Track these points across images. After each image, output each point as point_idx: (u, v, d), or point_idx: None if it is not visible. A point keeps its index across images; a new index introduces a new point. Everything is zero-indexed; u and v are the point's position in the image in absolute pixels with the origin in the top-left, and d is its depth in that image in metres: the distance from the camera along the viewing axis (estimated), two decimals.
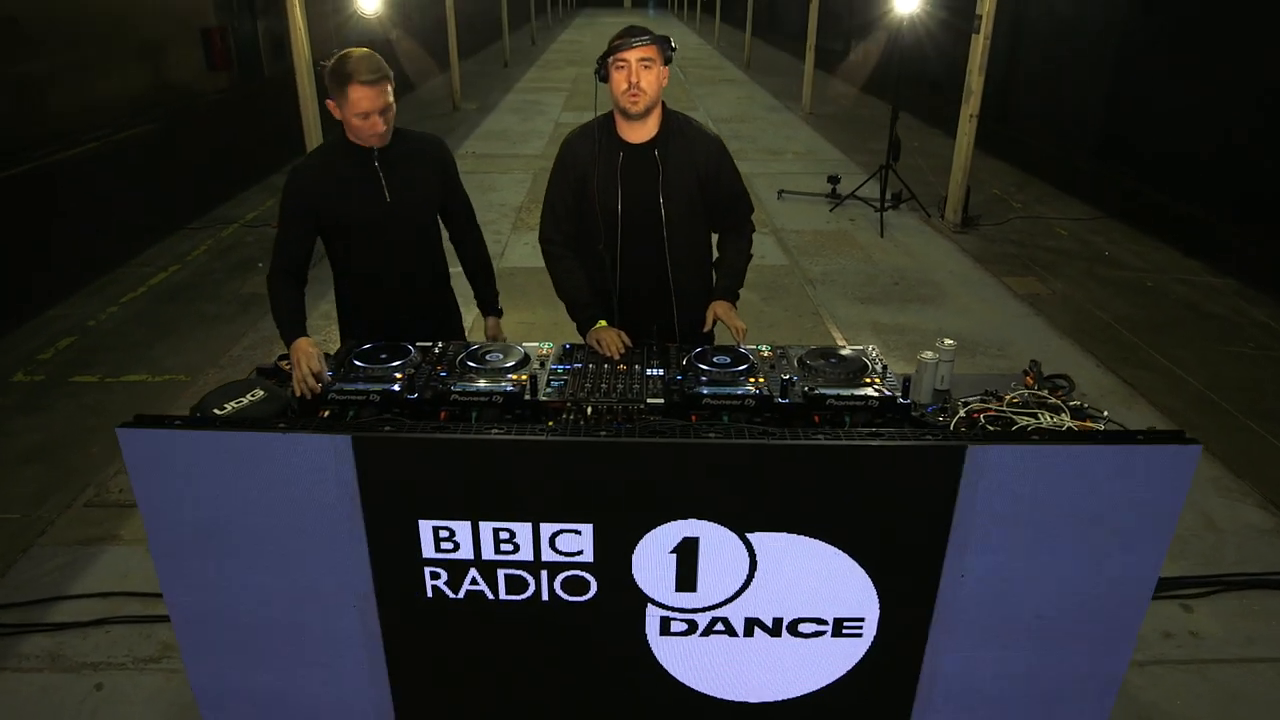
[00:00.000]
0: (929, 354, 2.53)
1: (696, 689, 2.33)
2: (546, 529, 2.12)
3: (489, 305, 2.98)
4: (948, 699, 2.33)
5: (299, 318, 2.57)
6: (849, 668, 2.31)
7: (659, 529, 2.11)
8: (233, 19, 17.05)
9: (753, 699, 2.35)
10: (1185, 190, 8.02)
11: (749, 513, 2.09)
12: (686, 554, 2.14)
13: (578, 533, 2.12)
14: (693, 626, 2.25)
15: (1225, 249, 7.39)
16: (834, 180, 9.35)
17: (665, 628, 2.25)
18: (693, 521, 2.10)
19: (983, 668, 2.28)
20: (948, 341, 2.57)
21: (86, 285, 6.46)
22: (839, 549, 2.13)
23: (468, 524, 2.12)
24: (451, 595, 2.21)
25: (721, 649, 2.27)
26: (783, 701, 2.35)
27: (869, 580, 2.17)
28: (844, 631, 2.25)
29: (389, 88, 2.50)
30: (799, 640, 2.26)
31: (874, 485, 2.07)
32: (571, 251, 2.82)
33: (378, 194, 2.64)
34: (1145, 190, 8.50)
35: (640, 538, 2.12)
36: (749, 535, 2.12)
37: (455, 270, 2.99)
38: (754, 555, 2.14)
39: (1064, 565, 2.13)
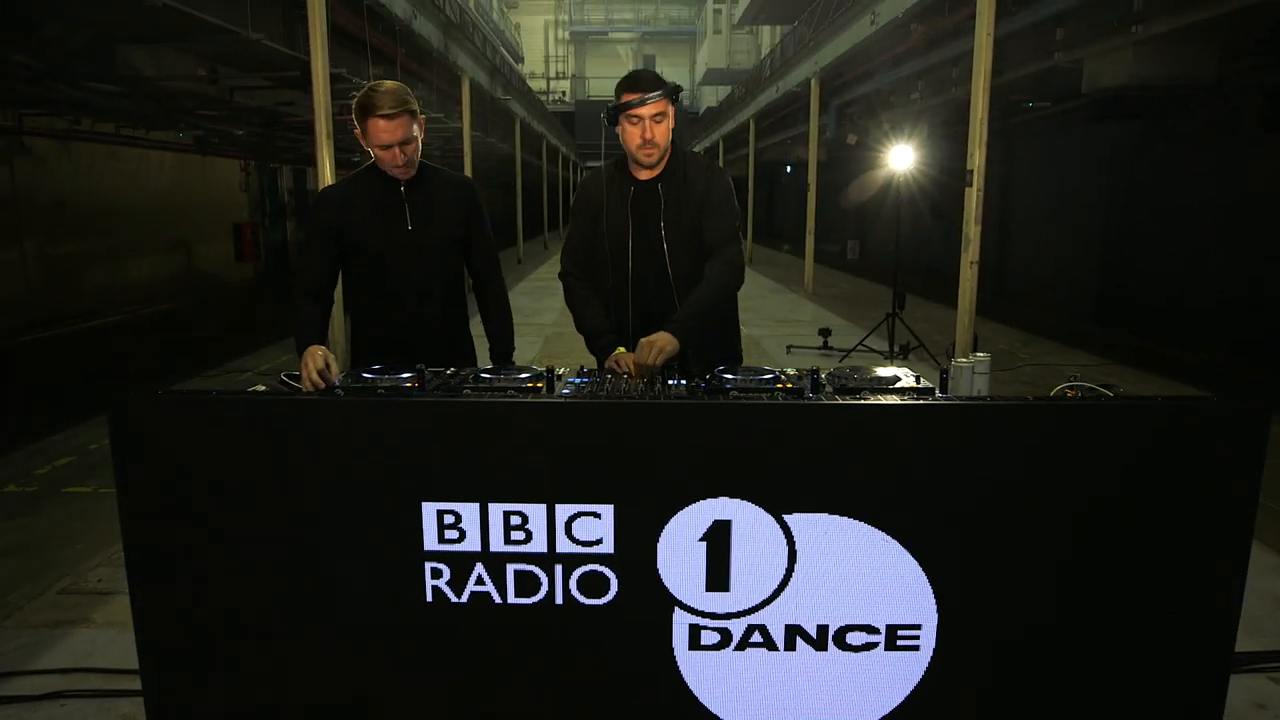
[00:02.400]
0: (963, 360, 2.41)
1: None
2: (563, 512, 1.92)
3: (499, 345, 2.87)
4: None
5: (314, 329, 2.51)
6: (906, 693, 2.00)
7: (687, 510, 1.91)
8: (264, 217, 18.27)
9: None
10: (1185, 340, 8.09)
11: (786, 490, 1.90)
12: (718, 542, 1.93)
13: (597, 516, 1.92)
14: (726, 638, 1.98)
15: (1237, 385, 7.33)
16: (825, 333, 9.55)
17: (695, 640, 1.98)
18: (724, 501, 1.90)
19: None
20: (980, 355, 2.46)
21: (97, 416, 6.39)
22: (888, 534, 1.92)
23: (475, 507, 1.93)
24: (454, 599, 1.97)
25: (759, 668, 1.99)
26: None
27: (923, 574, 1.94)
28: (899, 643, 1.98)
29: (411, 121, 2.57)
30: (847, 655, 1.98)
31: (926, 454, 1.89)
32: (587, 282, 2.80)
33: (400, 221, 2.64)
34: (1149, 344, 8.59)
35: (666, 522, 1.91)
36: (786, 518, 1.91)
37: (476, 320, 2.94)
38: (793, 543, 1.92)
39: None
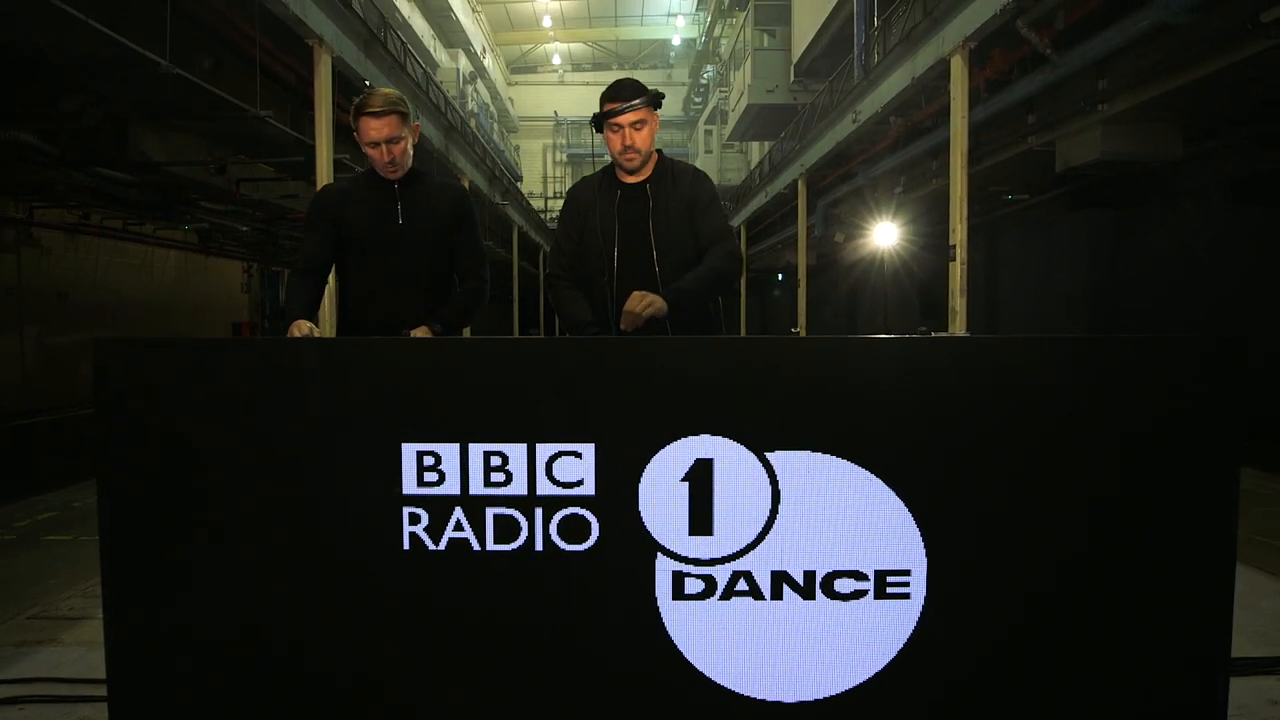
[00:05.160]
0: (944, 334, 2.44)
1: (716, 680, 1.93)
2: (543, 451, 1.90)
3: (433, 319, 2.74)
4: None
5: (304, 304, 2.59)
6: (899, 647, 1.93)
7: (669, 449, 1.90)
8: (263, 319, 18.55)
9: (788, 697, 1.94)
10: None
11: (768, 426, 1.89)
12: (700, 481, 1.91)
13: (578, 455, 1.90)
14: (711, 586, 1.92)
15: None
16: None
17: (679, 588, 1.92)
18: (706, 438, 1.90)
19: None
20: (961, 333, 2.49)
21: (82, 480, 6.30)
22: (872, 473, 1.90)
23: (455, 447, 1.91)
24: (431, 546, 1.93)
25: (746, 620, 1.92)
26: (824, 700, 1.93)
27: (910, 516, 1.91)
28: (889, 590, 1.92)
29: (400, 123, 2.69)
30: (836, 605, 1.92)
31: (912, 391, 1.90)
32: (573, 283, 2.85)
33: (391, 214, 2.73)
34: None
35: (648, 461, 1.90)
36: (769, 455, 1.90)
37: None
38: (776, 482, 1.90)
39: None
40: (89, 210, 10.82)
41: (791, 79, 20.95)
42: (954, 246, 7.93)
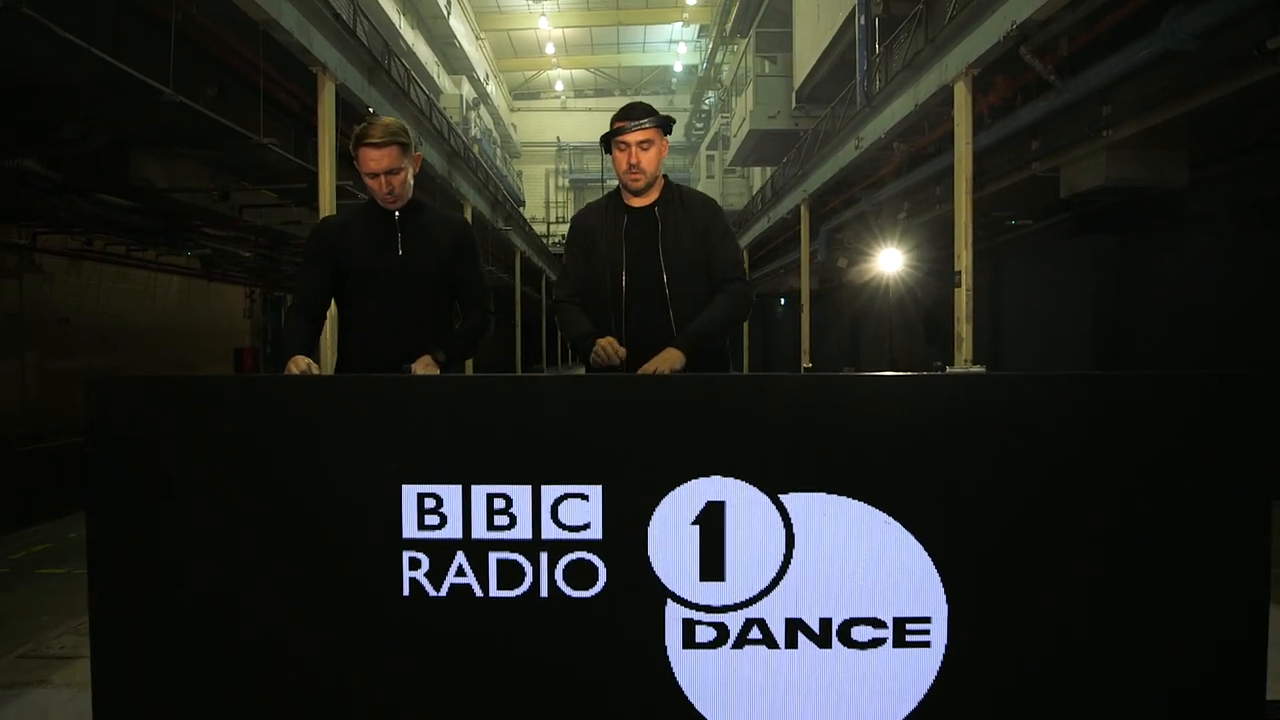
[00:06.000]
0: (959, 369, 2.38)
1: None
2: (549, 493, 1.84)
3: (437, 348, 2.64)
4: None
5: (301, 341, 2.51)
6: (920, 698, 1.85)
7: (679, 490, 1.83)
8: (265, 344, 18.50)
9: None
10: None
11: (782, 467, 1.83)
12: (711, 525, 1.84)
13: (585, 497, 1.83)
14: (723, 634, 1.85)
15: None
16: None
17: (689, 636, 1.85)
18: (717, 480, 1.83)
19: None
20: (976, 367, 2.44)
21: (79, 510, 6.24)
22: (890, 516, 1.83)
23: (458, 489, 1.84)
24: (432, 592, 1.85)
25: (759, 669, 1.85)
26: None
27: (929, 561, 1.84)
28: (908, 638, 1.85)
29: (400, 154, 2.65)
30: (853, 654, 1.84)
31: (930, 430, 1.83)
32: (580, 306, 2.79)
33: (391, 246, 2.67)
34: None
35: (658, 503, 1.83)
36: (783, 498, 1.83)
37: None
38: (790, 525, 1.83)
39: None
40: (92, 236, 10.81)
41: (793, 105, 21.04)
42: (959, 273, 7.88)
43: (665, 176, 2.83)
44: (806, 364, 14.05)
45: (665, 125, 2.74)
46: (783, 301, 27.73)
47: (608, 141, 2.72)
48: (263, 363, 17.94)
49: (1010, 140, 8.34)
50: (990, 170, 8.99)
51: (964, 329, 7.99)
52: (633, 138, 2.67)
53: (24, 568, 4.67)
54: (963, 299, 7.91)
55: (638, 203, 2.78)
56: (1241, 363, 8.21)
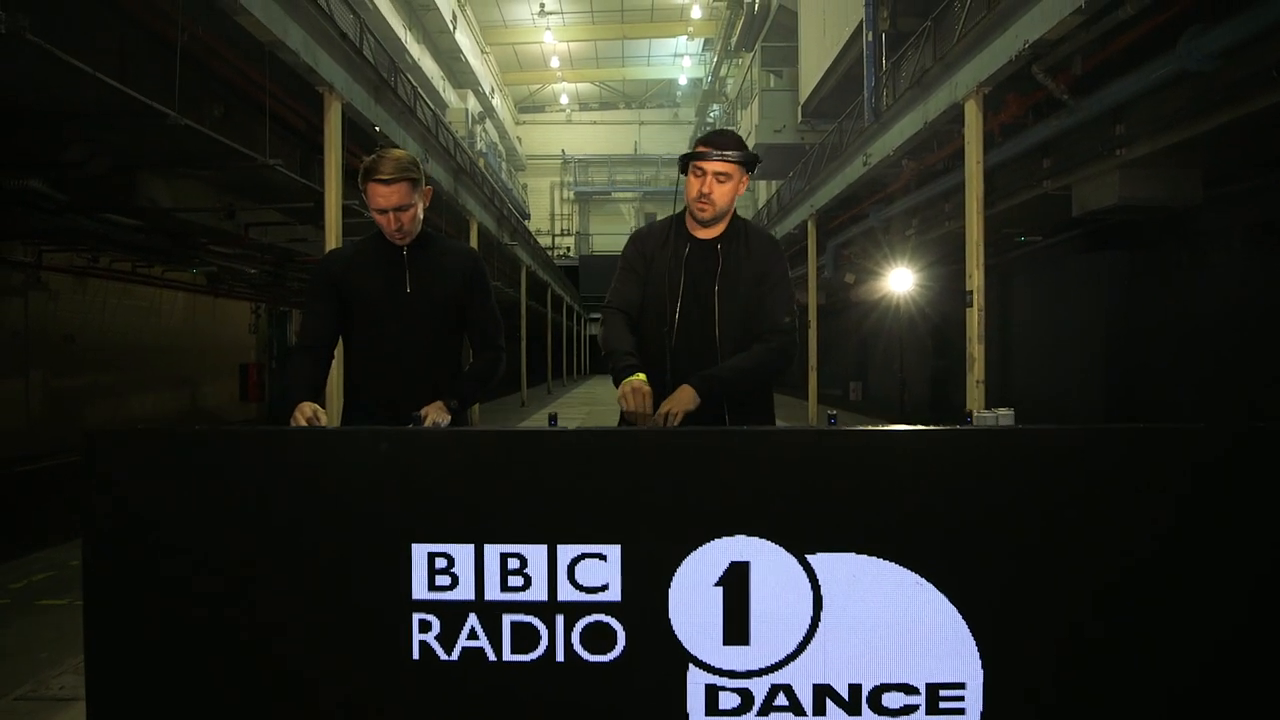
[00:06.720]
0: (988, 413, 2.29)
1: None
2: (565, 553, 1.76)
3: (449, 394, 2.60)
4: None
5: (306, 383, 2.43)
6: None
7: (701, 550, 1.75)
8: (271, 360, 18.46)
9: None
10: None
11: (808, 526, 1.75)
12: (735, 586, 1.76)
13: (603, 557, 1.75)
14: (747, 701, 1.76)
15: None
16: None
17: (712, 704, 1.76)
18: (741, 539, 1.75)
19: None
20: (1004, 410, 2.35)
21: (78, 537, 6.17)
22: (922, 577, 1.75)
23: (470, 549, 1.77)
24: (443, 656, 1.77)
25: None
26: None
27: (963, 623, 1.75)
28: (941, 705, 1.76)
29: (410, 190, 2.57)
30: None
31: (963, 486, 1.75)
32: (630, 321, 2.66)
33: (400, 282, 2.60)
34: None
35: (679, 563, 1.75)
36: (810, 558, 1.75)
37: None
38: (818, 587, 1.75)
39: None
40: (98, 254, 10.79)
41: (799, 119, 21.04)
42: (971, 293, 7.79)
43: (735, 212, 2.72)
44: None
45: (749, 163, 2.58)
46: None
47: (685, 161, 2.62)
48: (268, 378, 17.91)
49: (1021, 158, 8.27)
50: (1001, 187, 8.92)
51: (975, 349, 7.90)
52: (711, 166, 2.54)
53: (24, 598, 4.59)
54: (974, 319, 7.83)
55: (703, 234, 2.67)
56: (1255, 384, 8.11)
